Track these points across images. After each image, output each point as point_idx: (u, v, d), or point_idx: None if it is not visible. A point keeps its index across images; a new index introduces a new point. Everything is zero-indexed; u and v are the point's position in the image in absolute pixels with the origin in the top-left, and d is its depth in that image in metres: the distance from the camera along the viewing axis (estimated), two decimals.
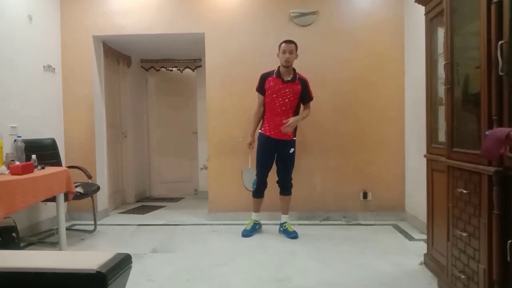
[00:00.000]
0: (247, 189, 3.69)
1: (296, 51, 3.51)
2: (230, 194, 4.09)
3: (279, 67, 3.52)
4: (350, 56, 4.07)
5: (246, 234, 3.58)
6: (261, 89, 3.55)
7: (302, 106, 3.60)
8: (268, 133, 3.51)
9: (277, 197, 3.69)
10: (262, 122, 3.59)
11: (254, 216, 3.70)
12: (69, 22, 4.19)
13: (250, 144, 3.64)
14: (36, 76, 3.79)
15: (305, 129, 4.08)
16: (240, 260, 2.96)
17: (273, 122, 3.49)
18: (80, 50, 4.20)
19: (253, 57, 4.10)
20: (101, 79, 4.42)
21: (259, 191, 3.64)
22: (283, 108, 3.48)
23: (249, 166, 3.66)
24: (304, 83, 3.54)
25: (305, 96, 3.56)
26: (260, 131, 3.58)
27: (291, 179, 3.65)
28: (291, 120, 3.44)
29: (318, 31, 4.08)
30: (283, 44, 3.48)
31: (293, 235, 3.52)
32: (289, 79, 3.48)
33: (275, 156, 3.58)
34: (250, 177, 3.67)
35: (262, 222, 3.87)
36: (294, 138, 3.58)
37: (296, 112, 3.55)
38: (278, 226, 3.71)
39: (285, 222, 3.64)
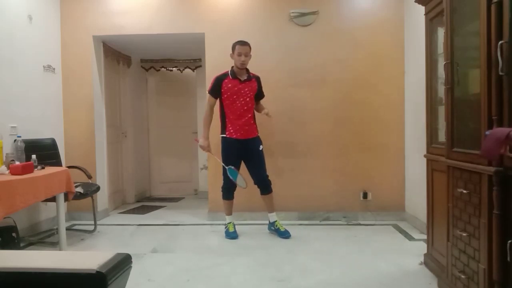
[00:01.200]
0: (242, 187, 3.54)
1: (250, 52, 3.51)
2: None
3: (232, 67, 3.51)
4: (350, 56, 4.07)
5: (234, 236, 3.53)
6: (216, 92, 3.49)
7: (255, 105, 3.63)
8: (234, 136, 3.48)
9: (274, 197, 3.67)
10: (224, 126, 3.53)
11: (229, 219, 3.65)
12: (69, 22, 4.19)
13: (207, 147, 3.56)
14: (36, 76, 3.79)
15: (305, 129, 4.08)
16: (240, 260, 2.96)
17: (237, 123, 3.48)
18: (80, 50, 4.20)
19: (253, 57, 4.07)
20: (101, 79, 4.42)
21: (230, 192, 3.60)
22: (245, 108, 3.49)
23: (224, 165, 3.51)
24: (258, 81, 3.60)
25: (259, 93, 3.62)
26: (224, 135, 3.52)
27: (267, 175, 3.61)
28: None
29: (318, 31, 4.08)
30: (238, 46, 3.45)
31: (286, 235, 3.50)
32: (246, 78, 3.51)
33: (241, 157, 3.56)
34: (236, 174, 3.50)
35: (260, 222, 3.89)
36: (259, 135, 3.60)
37: (253, 111, 3.60)
38: (268, 225, 3.68)
39: (276, 221, 3.61)
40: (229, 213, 3.66)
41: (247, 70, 3.56)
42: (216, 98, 3.53)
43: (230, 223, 3.62)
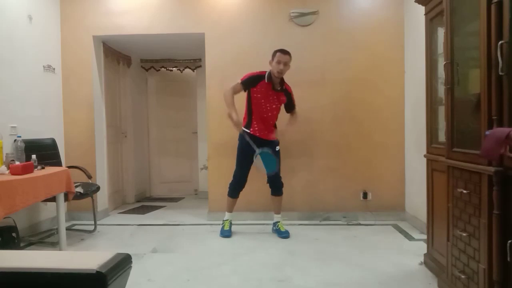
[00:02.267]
0: (267, 173, 3.43)
1: (290, 62, 3.47)
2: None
3: (270, 71, 3.46)
4: (350, 56, 4.07)
5: (227, 234, 3.57)
6: (248, 86, 3.43)
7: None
8: (257, 134, 3.50)
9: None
10: (250, 122, 3.51)
11: (228, 216, 3.68)
12: (69, 22, 4.19)
13: (238, 123, 3.36)
14: (36, 76, 3.79)
15: (305, 129, 4.08)
16: (240, 260, 2.96)
17: (262, 123, 3.51)
18: (80, 50, 4.20)
19: (253, 57, 4.09)
20: (101, 79, 4.42)
21: (237, 191, 3.62)
22: (270, 114, 3.51)
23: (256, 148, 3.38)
24: (289, 95, 3.59)
25: (290, 105, 3.63)
26: (248, 130, 3.50)
27: (281, 177, 3.63)
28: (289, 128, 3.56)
29: (318, 31, 4.08)
30: (279, 54, 3.39)
31: (284, 235, 3.53)
32: (279, 88, 3.49)
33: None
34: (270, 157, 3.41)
35: (260, 222, 3.89)
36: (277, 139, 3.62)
37: (276, 118, 3.61)
38: (272, 226, 3.72)
39: (278, 222, 3.65)
40: (230, 210, 3.69)
41: (282, 80, 3.52)
42: (245, 91, 3.48)
43: (227, 220, 3.65)
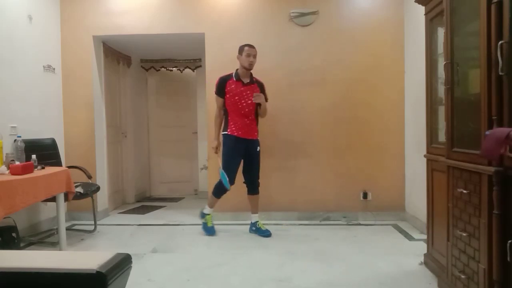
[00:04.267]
0: (227, 189, 3.59)
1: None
2: (230, 194, 4.07)
3: (237, 70, 3.58)
4: (350, 56, 4.07)
5: (212, 232, 3.64)
6: (221, 91, 3.56)
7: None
8: (236, 133, 3.53)
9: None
10: (226, 124, 3.60)
11: (211, 211, 3.72)
12: (69, 22, 4.19)
13: (217, 148, 3.66)
14: (36, 76, 3.79)
15: (305, 129, 4.08)
16: (240, 260, 2.96)
17: (240, 122, 3.54)
18: (80, 50, 4.20)
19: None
20: (101, 79, 4.42)
21: (221, 193, 3.65)
22: (247, 110, 3.56)
23: (221, 167, 3.59)
24: (261, 86, 3.65)
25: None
26: (225, 132, 3.57)
27: (259, 177, 3.67)
28: (261, 95, 3.55)
29: (318, 31, 4.08)
30: (247, 48, 3.53)
31: (266, 234, 3.57)
32: (248, 81, 3.58)
33: (241, 155, 3.60)
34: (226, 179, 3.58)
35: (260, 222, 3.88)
36: (258, 138, 3.66)
37: (256, 114, 3.63)
38: (249, 226, 3.73)
39: (257, 221, 3.67)
40: (213, 206, 3.72)
41: (251, 74, 3.62)
42: (223, 98, 3.58)
43: (209, 215, 3.70)
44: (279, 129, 4.08)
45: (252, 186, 3.65)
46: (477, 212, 1.85)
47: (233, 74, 3.58)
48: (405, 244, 3.31)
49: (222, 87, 3.56)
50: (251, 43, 3.59)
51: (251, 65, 3.54)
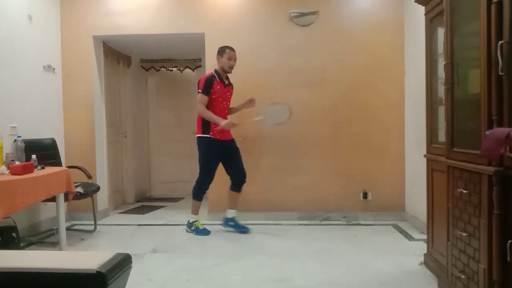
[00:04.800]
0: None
1: None
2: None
3: (216, 71, 3.58)
4: (350, 56, 4.07)
5: (207, 232, 3.65)
6: (208, 91, 3.50)
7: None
8: (218, 136, 3.54)
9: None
10: (207, 127, 3.53)
11: (197, 217, 3.72)
12: (69, 22, 4.19)
13: (231, 122, 3.51)
14: (36, 76, 3.79)
15: (305, 129, 4.08)
16: (240, 260, 2.96)
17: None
18: (80, 50, 4.20)
19: (253, 57, 4.10)
20: (101, 79, 4.42)
21: (202, 193, 3.71)
22: (226, 111, 3.63)
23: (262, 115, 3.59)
24: (232, 87, 3.73)
25: None
26: (207, 136, 3.53)
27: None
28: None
29: (318, 31, 4.08)
30: (228, 51, 3.56)
31: (246, 229, 3.64)
32: (227, 82, 3.62)
33: (222, 158, 3.63)
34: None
35: (260, 222, 3.90)
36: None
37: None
38: (224, 220, 3.75)
39: (235, 217, 3.71)
40: (197, 212, 3.73)
41: (227, 75, 3.67)
42: (208, 97, 3.53)
43: (197, 221, 3.68)
44: (279, 129, 4.07)
45: (240, 184, 3.67)
46: (477, 212, 1.85)
47: (215, 75, 3.56)
48: (405, 244, 3.31)
49: (209, 86, 3.50)
50: (232, 46, 3.61)
51: (231, 69, 3.58)
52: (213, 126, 3.52)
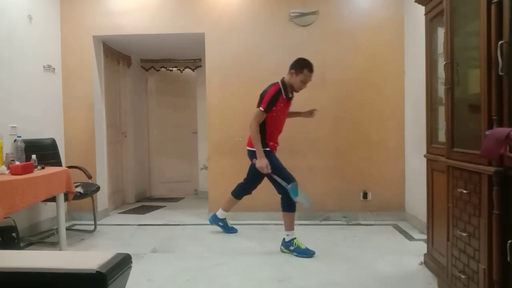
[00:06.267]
0: (305, 206, 3.25)
1: None
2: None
3: (284, 83, 3.19)
4: (350, 56, 4.07)
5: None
6: (271, 109, 3.14)
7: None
8: (274, 151, 3.31)
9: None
10: (264, 141, 3.18)
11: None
12: (69, 22, 4.19)
13: (268, 165, 3.12)
14: (36, 76, 3.79)
15: (305, 129, 4.08)
16: (240, 260, 2.96)
17: (275, 138, 3.34)
18: (80, 50, 4.20)
19: (253, 57, 4.10)
20: (101, 79, 4.42)
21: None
22: (281, 128, 3.36)
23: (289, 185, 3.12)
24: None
25: None
26: (268, 149, 3.22)
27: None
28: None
29: (318, 31, 4.08)
30: (307, 72, 3.13)
31: (234, 231, 3.67)
32: (291, 96, 3.30)
33: None
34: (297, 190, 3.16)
35: (260, 222, 3.93)
36: None
37: None
38: (213, 217, 3.72)
39: (225, 218, 3.70)
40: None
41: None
42: (267, 114, 3.18)
43: (296, 238, 3.13)
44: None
45: (245, 194, 3.59)
46: (477, 212, 1.85)
47: (282, 90, 3.17)
48: (405, 244, 3.31)
49: (273, 104, 3.13)
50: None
51: (299, 90, 3.23)
52: (269, 140, 3.23)
